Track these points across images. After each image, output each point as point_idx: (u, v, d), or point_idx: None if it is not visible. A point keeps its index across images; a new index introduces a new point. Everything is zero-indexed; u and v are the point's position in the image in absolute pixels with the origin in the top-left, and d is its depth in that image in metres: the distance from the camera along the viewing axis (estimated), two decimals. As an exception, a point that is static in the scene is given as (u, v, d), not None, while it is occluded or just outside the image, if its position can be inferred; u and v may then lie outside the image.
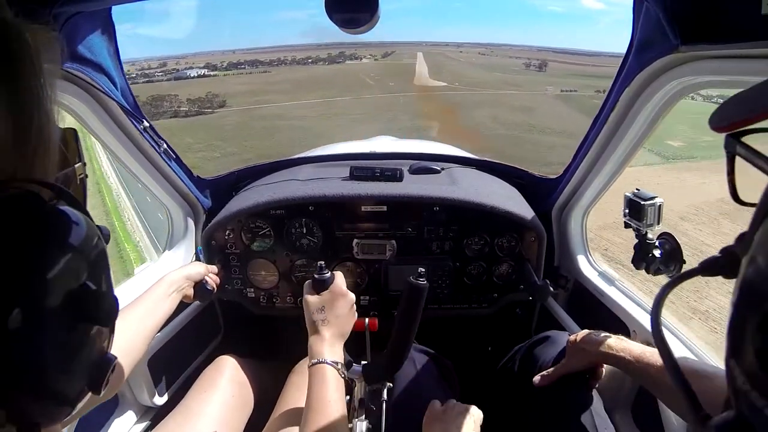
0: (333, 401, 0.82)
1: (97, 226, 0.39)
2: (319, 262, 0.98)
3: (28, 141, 0.33)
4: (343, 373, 0.89)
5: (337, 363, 0.88)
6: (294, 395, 1.15)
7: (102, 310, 0.34)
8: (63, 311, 0.31)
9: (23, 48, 0.33)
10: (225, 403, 1.14)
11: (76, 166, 0.41)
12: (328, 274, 0.97)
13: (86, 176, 0.43)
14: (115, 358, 0.37)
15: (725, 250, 0.35)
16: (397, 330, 0.95)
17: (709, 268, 0.37)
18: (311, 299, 0.95)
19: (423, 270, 0.93)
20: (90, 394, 0.35)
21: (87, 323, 0.33)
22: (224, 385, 1.18)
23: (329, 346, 0.90)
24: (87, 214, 0.35)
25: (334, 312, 0.94)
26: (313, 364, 0.87)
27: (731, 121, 0.36)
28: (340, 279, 0.99)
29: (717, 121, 0.37)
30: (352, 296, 0.99)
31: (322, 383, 0.84)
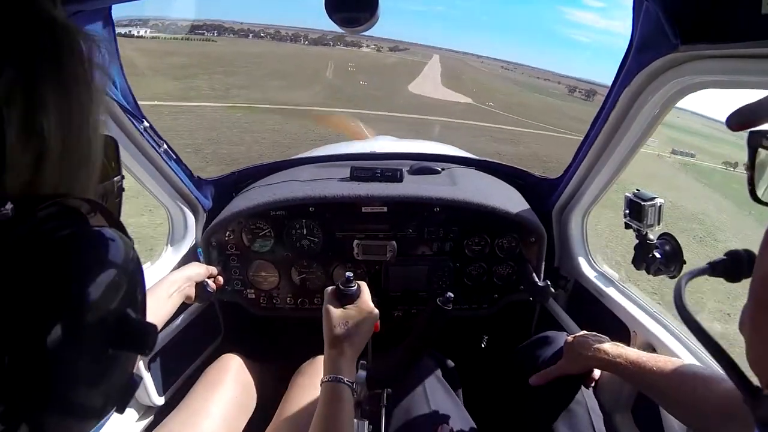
0: (344, 422, 0.79)
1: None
2: (347, 273, 0.92)
3: (74, 153, 0.32)
4: (356, 393, 0.84)
5: (353, 383, 0.83)
6: (299, 396, 1.14)
7: (139, 339, 0.33)
8: (100, 336, 0.30)
9: (75, 54, 0.31)
10: (228, 401, 1.14)
11: (115, 179, 0.40)
12: (355, 287, 0.92)
13: (122, 188, 0.42)
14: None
15: (731, 253, 0.35)
16: (409, 345, 0.94)
17: (716, 268, 0.37)
18: (335, 311, 0.88)
19: (452, 295, 0.92)
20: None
21: (123, 350, 0.32)
22: (228, 384, 1.18)
23: (350, 364, 0.85)
24: (123, 229, 0.35)
25: (359, 329, 0.87)
26: (330, 381, 0.81)
27: (750, 118, 0.37)
28: (367, 294, 0.93)
29: (736, 119, 0.38)
30: (377, 313, 0.93)
31: (338, 403, 0.79)
